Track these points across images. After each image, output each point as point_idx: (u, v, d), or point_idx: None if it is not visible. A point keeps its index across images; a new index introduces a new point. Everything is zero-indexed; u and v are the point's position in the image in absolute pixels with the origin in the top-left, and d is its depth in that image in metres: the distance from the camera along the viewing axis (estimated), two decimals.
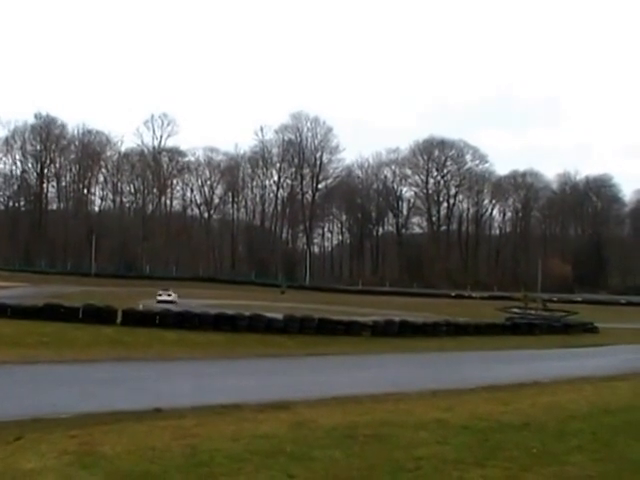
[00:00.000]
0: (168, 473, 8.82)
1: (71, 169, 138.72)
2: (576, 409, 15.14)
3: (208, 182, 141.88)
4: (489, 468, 9.46)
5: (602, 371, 25.39)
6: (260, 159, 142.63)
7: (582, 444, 11.30)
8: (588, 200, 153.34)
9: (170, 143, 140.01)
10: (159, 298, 68.29)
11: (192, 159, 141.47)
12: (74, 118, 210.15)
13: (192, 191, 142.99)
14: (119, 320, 34.40)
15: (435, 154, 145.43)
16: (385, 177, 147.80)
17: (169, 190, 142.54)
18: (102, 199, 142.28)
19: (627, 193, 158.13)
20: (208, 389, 17.83)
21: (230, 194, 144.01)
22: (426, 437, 11.50)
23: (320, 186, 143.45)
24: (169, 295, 70.35)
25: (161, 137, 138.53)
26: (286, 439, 11.06)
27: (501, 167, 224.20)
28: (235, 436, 11.30)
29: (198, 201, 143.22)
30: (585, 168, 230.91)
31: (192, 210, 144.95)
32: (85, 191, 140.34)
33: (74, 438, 11.15)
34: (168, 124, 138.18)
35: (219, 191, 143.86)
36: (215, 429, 12.06)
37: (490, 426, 12.67)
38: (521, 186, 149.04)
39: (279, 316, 37.19)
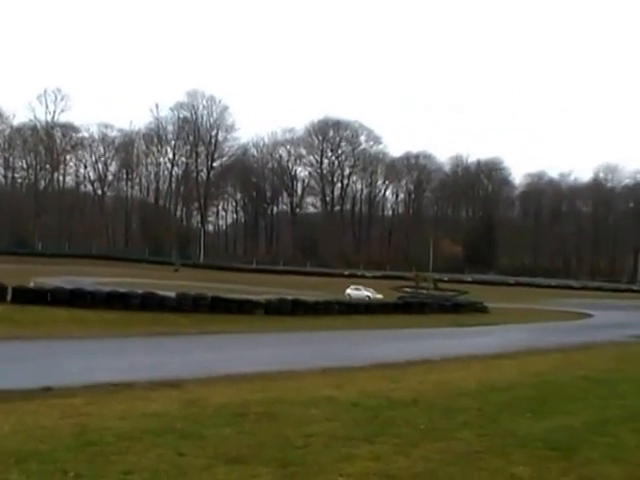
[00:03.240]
0: (57, 452, 8.69)
1: None
2: (464, 386, 15.47)
3: (102, 158, 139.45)
4: (378, 444, 9.60)
5: (490, 349, 25.97)
6: (155, 136, 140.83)
7: (469, 420, 11.56)
8: (479, 182, 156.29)
9: (63, 118, 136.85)
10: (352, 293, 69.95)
11: (86, 135, 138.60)
12: None
13: (86, 167, 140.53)
14: (9, 298, 33.60)
15: (330, 134, 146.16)
16: (280, 156, 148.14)
17: (62, 166, 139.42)
18: None
19: (517, 176, 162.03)
20: (99, 368, 17.62)
21: (124, 171, 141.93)
22: (316, 414, 11.61)
23: (215, 164, 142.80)
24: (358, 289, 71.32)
25: (54, 112, 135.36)
26: (177, 417, 11.04)
27: (395, 149, 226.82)
28: (125, 415, 11.23)
29: (92, 177, 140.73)
30: (477, 151, 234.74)
31: (85, 187, 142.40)
32: None
33: None
34: (62, 99, 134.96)
35: (113, 168, 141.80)
36: (105, 408, 11.96)
37: (380, 403, 12.85)
38: (414, 168, 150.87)
39: (172, 294, 36.92)
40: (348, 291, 71.12)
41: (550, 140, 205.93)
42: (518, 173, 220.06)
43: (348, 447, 9.36)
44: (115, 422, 10.62)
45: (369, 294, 69.56)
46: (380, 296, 68.22)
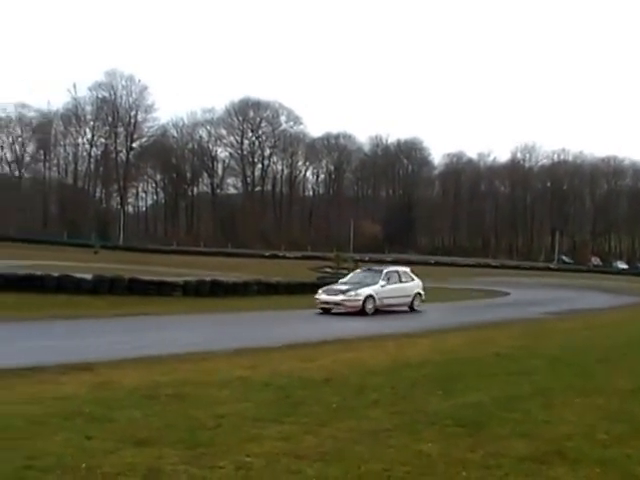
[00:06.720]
0: None
1: None
2: (377, 365, 15.57)
3: (19, 139, 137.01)
4: (287, 424, 9.64)
5: (405, 328, 26.09)
6: (73, 116, 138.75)
7: (380, 398, 11.65)
8: (399, 162, 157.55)
9: None
10: None
11: (2, 115, 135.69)
12: None
13: (2, 149, 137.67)
14: None
15: (250, 115, 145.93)
16: (200, 137, 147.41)
17: None
18: None
19: (436, 157, 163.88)
20: (8, 351, 17.28)
21: (42, 152, 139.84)
22: (228, 395, 11.61)
23: (134, 145, 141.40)
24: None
25: None
26: (86, 401, 10.94)
27: (315, 129, 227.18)
28: (34, 399, 11.08)
29: (9, 159, 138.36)
30: (397, 132, 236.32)
31: (2, 168, 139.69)
32: None
33: None
34: None
35: (30, 149, 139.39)
36: (14, 392, 11.78)
37: (292, 383, 12.89)
38: (334, 148, 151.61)
39: (88, 276, 36.44)
40: None
41: (469, 120, 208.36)
42: (437, 153, 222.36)
43: (257, 428, 9.39)
44: (23, 407, 10.51)
45: None
46: None
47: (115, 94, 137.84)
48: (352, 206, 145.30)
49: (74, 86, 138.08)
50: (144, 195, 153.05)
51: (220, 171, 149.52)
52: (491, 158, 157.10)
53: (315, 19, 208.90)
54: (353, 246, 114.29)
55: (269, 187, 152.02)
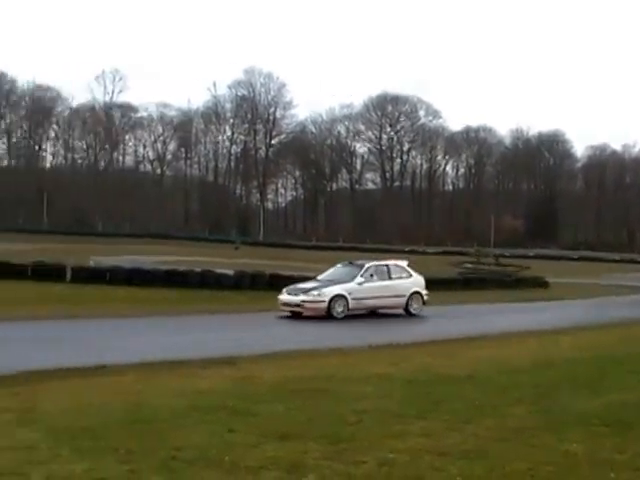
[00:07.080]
0: (108, 429, 8.84)
1: (22, 125, 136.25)
2: (520, 362, 15.32)
3: (161, 138, 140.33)
4: (430, 420, 9.58)
5: (548, 324, 25.55)
6: (213, 115, 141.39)
7: (523, 396, 11.47)
8: (540, 155, 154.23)
9: (122, 99, 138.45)
10: None
11: (144, 115, 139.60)
12: (24, 73, 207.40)
13: (145, 147, 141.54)
14: (68, 277, 34.04)
15: (388, 110, 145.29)
16: (339, 133, 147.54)
17: (121, 146, 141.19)
18: (53, 155, 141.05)
19: (579, 149, 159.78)
20: (154, 345, 17.72)
21: (183, 150, 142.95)
22: (369, 391, 11.60)
23: (274, 142, 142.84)
24: None
25: (112, 92, 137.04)
26: (229, 394, 11.13)
27: (454, 123, 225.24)
28: (178, 392, 11.37)
29: (151, 157, 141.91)
30: (537, 124, 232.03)
31: (145, 166, 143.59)
32: (36, 147, 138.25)
33: (17, 396, 11.10)
34: (120, 79, 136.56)
35: (172, 147, 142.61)
36: (158, 385, 12.12)
37: (434, 379, 12.82)
38: (474, 142, 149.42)
39: (230, 272, 37.05)
40: None
41: (613, 112, 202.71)
42: (580, 145, 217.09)
43: (400, 424, 9.35)
44: (167, 399, 10.79)
45: None
46: None
47: (254, 91, 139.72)
48: (493, 200, 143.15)
49: (214, 84, 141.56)
50: (283, 191, 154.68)
51: (359, 166, 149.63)
52: (636, 149, 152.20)
53: (454, 12, 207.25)
54: (494, 241, 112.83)
55: (408, 182, 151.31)
